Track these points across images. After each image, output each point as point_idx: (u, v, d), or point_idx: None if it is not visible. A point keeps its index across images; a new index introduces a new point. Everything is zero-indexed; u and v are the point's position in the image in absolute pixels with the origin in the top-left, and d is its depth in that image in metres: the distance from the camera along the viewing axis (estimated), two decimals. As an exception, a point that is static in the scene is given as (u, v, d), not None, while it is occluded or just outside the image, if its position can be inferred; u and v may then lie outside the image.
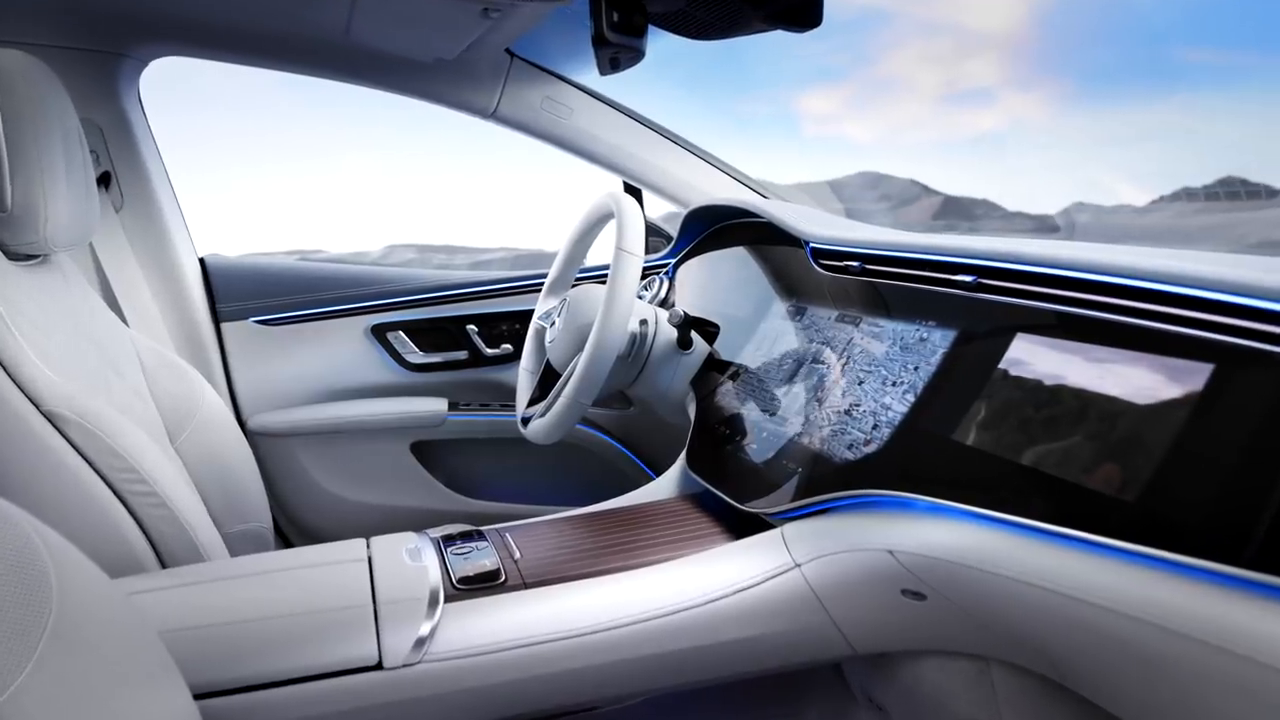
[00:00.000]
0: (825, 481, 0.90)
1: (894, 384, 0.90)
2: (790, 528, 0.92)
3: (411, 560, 0.93)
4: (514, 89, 1.60)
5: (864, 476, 0.86)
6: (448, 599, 0.86)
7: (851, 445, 0.90)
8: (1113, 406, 0.67)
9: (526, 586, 0.90)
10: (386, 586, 0.87)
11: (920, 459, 0.82)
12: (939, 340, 0.87)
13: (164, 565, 0.97)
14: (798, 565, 0.89)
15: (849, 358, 1.00)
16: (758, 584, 0.89)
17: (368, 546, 0.96)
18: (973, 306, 0.85)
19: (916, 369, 0.88)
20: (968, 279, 0.86)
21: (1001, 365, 0.78)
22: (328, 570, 0.91)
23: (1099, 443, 0.67)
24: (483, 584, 0.90)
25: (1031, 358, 0.76)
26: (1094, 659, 0.69)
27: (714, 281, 1.46)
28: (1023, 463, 0.72)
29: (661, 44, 1.48)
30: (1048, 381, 0.73)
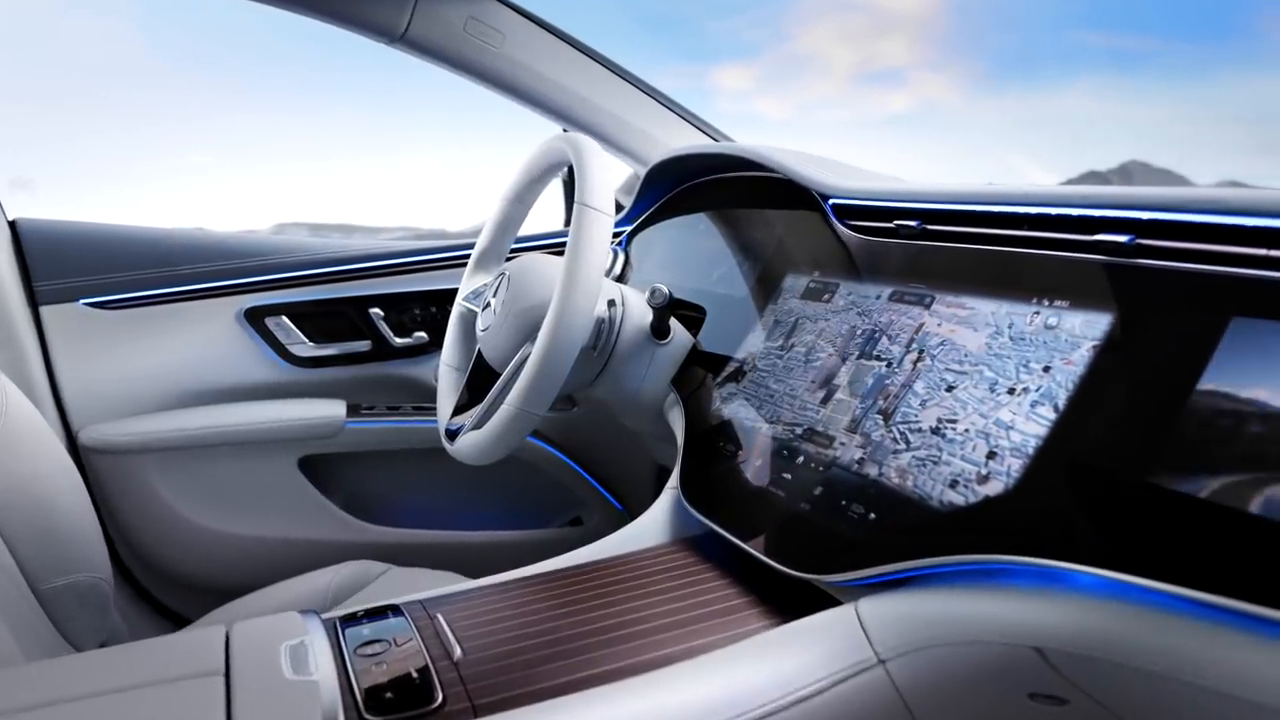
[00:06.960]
0: (922, 538, 0.62)
1: (1010, 391, 0.62)
2: (869, 604, 0.63)
3: (293, 670, 0.60)
4: (430, 5, 1.26)
5: (986, 533, 0.58)
6: None
7: (955, 482, 0.62)
8: None
9: (476, 714, 0.58)
10: None
11: (1082, 509, 0.55)
12: (1080, 328, 0.60)
13: None
14: (882, 661, 0.60)
15: (921, 351, 0.72)
16: (825, 689, 0.60)
17: (226, 644, 0.63)
18: (1133, 278, 0.59)
19: (1047, 369, 0.61)
20: (1121, 239, 0.60)
21: (1215, 364, 0.52)
22: (154, 695, 0.57)
23: None
24: (407, 711, 0.58)
25: (1269, 354, 0.50)
26: None
27: (687, 254, 1.18)
28: (1258, 514, 0.46)
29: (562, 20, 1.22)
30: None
